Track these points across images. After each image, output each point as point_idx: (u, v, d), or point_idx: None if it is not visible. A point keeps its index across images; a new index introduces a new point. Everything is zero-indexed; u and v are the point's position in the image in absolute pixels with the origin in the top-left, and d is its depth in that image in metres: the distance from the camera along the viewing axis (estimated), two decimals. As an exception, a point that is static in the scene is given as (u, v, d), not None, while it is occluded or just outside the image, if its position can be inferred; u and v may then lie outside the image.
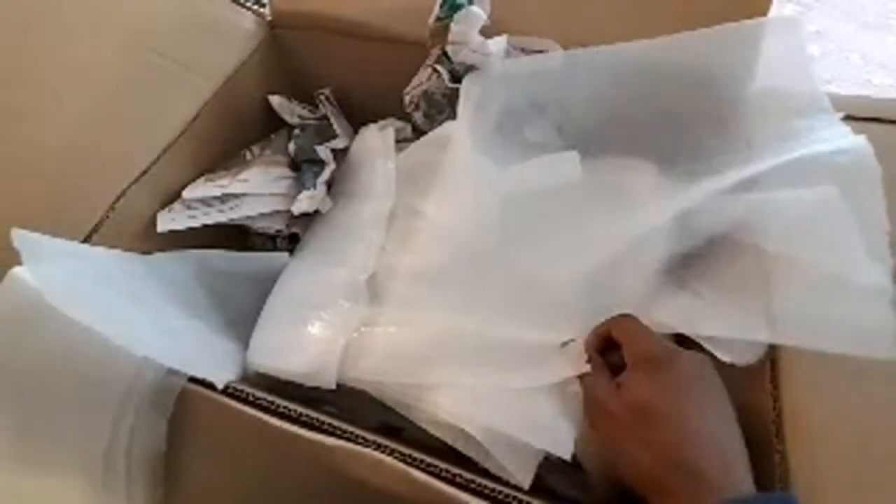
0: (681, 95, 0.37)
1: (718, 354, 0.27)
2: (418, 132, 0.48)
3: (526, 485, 0.26)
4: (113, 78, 0.39)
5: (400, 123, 0.49)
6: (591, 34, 0.38)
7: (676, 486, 0.21)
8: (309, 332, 0.32)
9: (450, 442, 0.28)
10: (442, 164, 0.37)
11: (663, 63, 0.36)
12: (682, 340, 0.28)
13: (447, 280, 0.32)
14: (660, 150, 0.37)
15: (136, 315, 0.29)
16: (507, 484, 0.26)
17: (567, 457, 0.26)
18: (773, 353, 0.27)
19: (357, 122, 0.50)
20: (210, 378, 0.27)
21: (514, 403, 0.27)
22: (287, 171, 0.44)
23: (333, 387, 0.30)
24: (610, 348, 0.27)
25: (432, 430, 0.28)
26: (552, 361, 0.28)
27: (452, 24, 0.38)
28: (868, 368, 0.24)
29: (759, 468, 0.24)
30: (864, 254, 0.25)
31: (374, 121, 0.50)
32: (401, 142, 0.49)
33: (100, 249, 0.33)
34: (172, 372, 0.27)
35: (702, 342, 0.27)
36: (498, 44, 0.38)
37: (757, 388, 0.26)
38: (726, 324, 0.27)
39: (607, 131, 0.40)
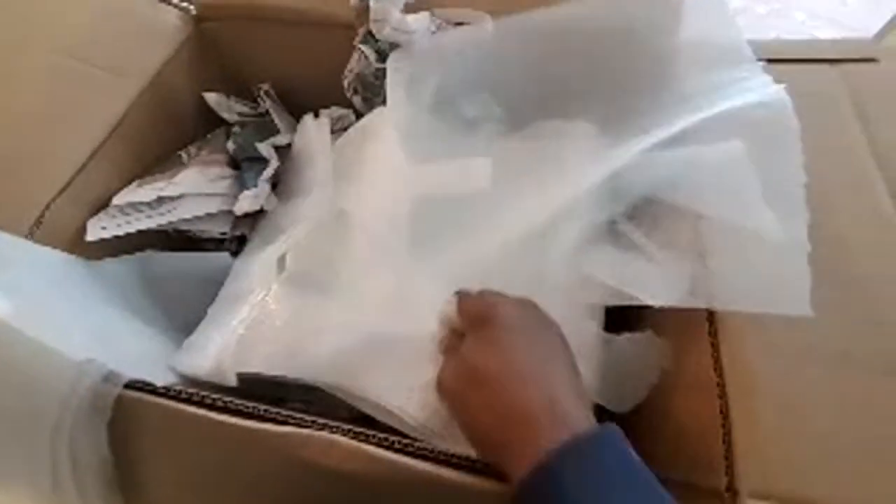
0: (609, 54, 0.36)
1: (644, 298, 0.26)
2: (360, 117, 0.46)
3: None
4: (33, 88, 0.37)
5: (342, 111, 0.47)
6: (517, 3, 0.37)
7: (509, 436, 0.21)
8: (215, 327, 0.31)
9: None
10: (363, 160, 0.36)
11: (590, 22, 0.36)
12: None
13: (360, 274, 0.32)
14: (595, 111, 0.37)
15: (75, 318, 0.27)
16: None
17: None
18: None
19: (300, 113, 0.48)
20: (149, 379, 0.26)
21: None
22: (227, 171, 0.42)
23: (234, 384, 0.29)
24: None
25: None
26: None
27: (372, 2, 0.36)
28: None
29: (702, 421, 0.24)
30: (770, 209, 0.25)
31: (317, 110, 0.49)
32: (345, 129, 0.48)
33: (40, 249, 0.31)
34: (108, 377, 0.26)
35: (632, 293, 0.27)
36: (420, 20, 0.37)
37: (696, 339, 0.26)
38: (657, 283, 0.27)
39: (543, 96, 0.39)
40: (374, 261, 0.32)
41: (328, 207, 0.36)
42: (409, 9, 0.38)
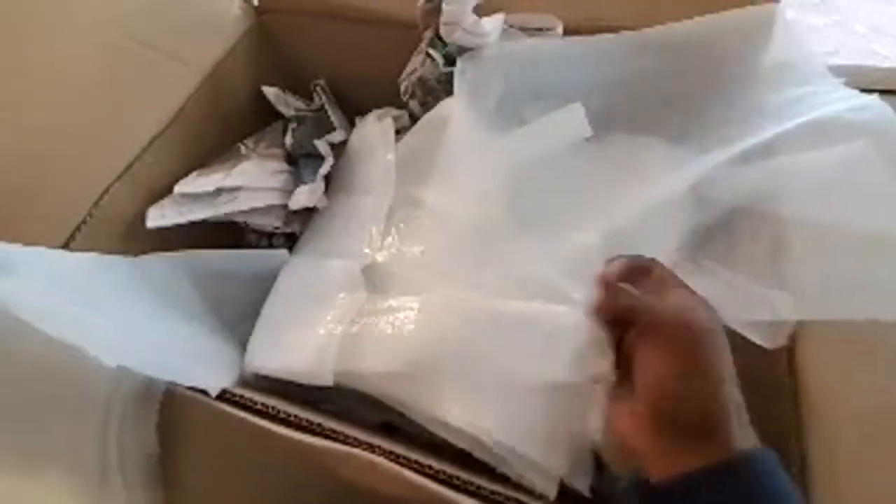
0: (688, 75, 0.35)
1: (751, 337, 0.25)
2: (416, 121, 0.45)
3: (552, 495, 0.24)
4: (92, 71, 0.36)
5: (397, 112, 0.46)
6: (591, 14, 0.36)
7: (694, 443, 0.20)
8: (306, 328, 0.30)
9: (464, 447, 0.26)
10: (440, 147, 0.34)
11: (671, 47, 0.34)
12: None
13: (451, 266, 0.30)
14: (669, 128, 0.35)
15: (116, 324, 0.27)
16: (527, 491, 0.24)
17: (587, 493, 0.24)
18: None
19: (352, 111, 0.47)
20: (201, 385, 0.25)
21: (528, 415, 0.24)
22: (284, 165, 0.41)
23: (331, 383, 0.28)
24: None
25: (442, 434, 0.26)
26: (567, 352, 0.26)
27: (444, 4, 0.35)
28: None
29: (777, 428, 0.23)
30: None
31: (370, 110, 0.48)
32: (399, 132, 0.47)
33: (78, 255, 0.30)
34: (151, 379, 0.25)
35: (729, 325, 0.26)
36: (494, 22, 0.36)
37: (774, 360, 0.25)
38: (747, 305, 0.25)
39: (612, 114, 0.38)
40: (477, 245, 0.30)
41: (395, 203, 0.34)
42: (476, 11, 0.37)
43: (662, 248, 0.28)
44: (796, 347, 0.25)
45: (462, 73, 0.36)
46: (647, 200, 0.28)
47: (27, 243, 0.27)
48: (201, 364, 0.28)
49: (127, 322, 0.27)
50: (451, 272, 0.29)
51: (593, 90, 0.37)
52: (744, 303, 0.26)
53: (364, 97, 0.47)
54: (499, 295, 0.28)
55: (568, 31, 0.37)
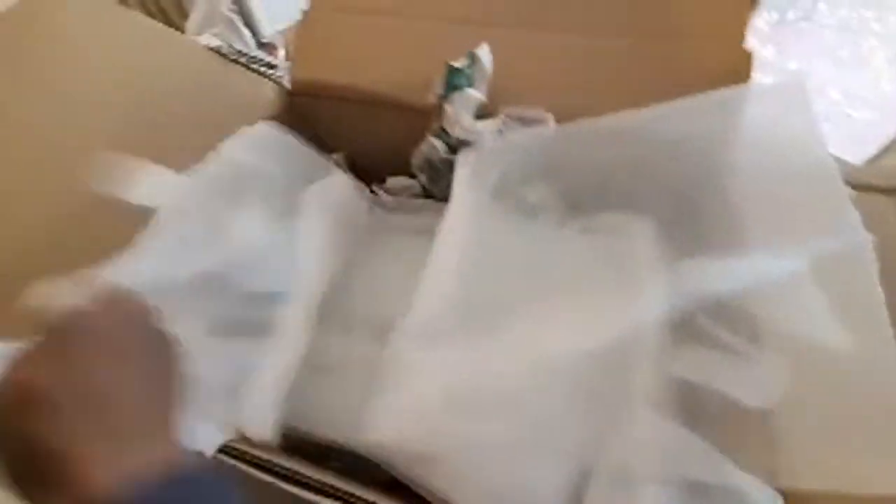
0: (670, 163, 0.37)
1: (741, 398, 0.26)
2: (425, 189, 0.50)
3: None
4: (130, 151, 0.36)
5: (409, 181, 0.51)
6: (584, 105, 0.40)
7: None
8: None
9: None
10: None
11: (650, 132, 0.37)
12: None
13: (450, 340, 0.31)
14: (655, 214, 0.38)
15: None
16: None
17: None
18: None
19: (369, 180, 0.52)
20: (200, 447, 0.27)
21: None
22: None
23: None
24: None
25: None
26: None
27: (446, 105, 0.40)
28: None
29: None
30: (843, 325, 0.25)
31: (384, 179, 0.52)
32: (412, 196, 0.51)
33: None
34: None
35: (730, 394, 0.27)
36: (488, 126, 0.40)
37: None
38: (754, 382, 0.26)
39: (602, 195, 0.41)
40: (465, 328, 0.31)
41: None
42: (484, 108, 0.42)
43: (658, 347, 0.29)
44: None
45: (462, 164, 0.39)
46: (637, 313, 0.29)
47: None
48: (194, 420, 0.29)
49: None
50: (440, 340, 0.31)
51: (584, 174, 0.41)
52: (736, 373, 0.27)
53: (380, 168, 0.52)
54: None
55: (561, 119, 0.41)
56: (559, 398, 0.28)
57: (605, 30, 0.42)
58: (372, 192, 0.51)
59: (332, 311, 0.39)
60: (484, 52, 0.39)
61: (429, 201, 0.47)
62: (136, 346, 0.20)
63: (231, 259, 0.35)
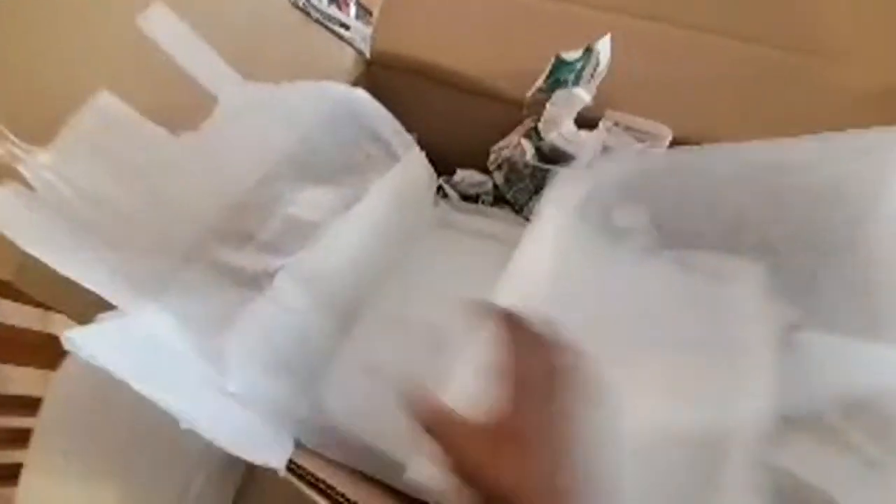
0: (800, 203, 0.32)
1: None
2: (497, 188, 0.45)
3: None
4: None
5: (480, 178, 0.46)
6: (704, 128, 0.34)
7: None
8: None
9: None
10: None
11: (788, 169, 0.32)
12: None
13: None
14: (764, 256, 0.32)
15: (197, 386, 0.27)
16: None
17: None
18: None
19: (439, 167, 0.47)
20: (266, 463, 0.25)
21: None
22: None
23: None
24: None
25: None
26: None
27: (548, 104, 0.34)
28: None
29: None
30: None
31: (454, 169, 0.48)
32: (478, 196, 0.47)
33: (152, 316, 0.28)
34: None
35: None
36: (593, 137, 0.35)
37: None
38: (870, 493, 0.22)
39: (704, 224, 0.35)
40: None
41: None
42: (587, 111, 0.36)
43: (758, 434, 0.25)
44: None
45: (557, 187, 0.34)
46: (738, 388, 0.25)
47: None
48: (263, 435, 0.28)
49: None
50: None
51: (691, 204, 0.35)
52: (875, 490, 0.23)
53: (453, 155, 0.47)
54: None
55: (676, 142, 0.35)
56: (633, 484, 0.24)
57: (752, 34, 0.36)
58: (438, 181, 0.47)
59: (387, 307, 0.36)
60: (604, 46, 0.33)
61: (501, 211, 0.43)
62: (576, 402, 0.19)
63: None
